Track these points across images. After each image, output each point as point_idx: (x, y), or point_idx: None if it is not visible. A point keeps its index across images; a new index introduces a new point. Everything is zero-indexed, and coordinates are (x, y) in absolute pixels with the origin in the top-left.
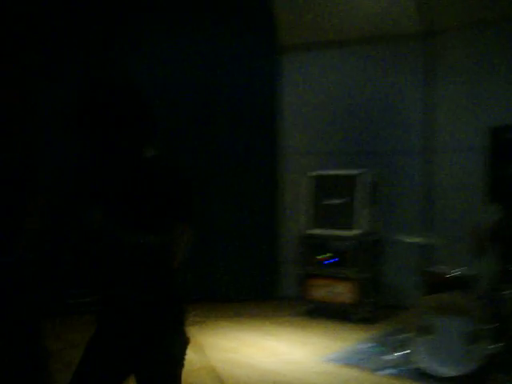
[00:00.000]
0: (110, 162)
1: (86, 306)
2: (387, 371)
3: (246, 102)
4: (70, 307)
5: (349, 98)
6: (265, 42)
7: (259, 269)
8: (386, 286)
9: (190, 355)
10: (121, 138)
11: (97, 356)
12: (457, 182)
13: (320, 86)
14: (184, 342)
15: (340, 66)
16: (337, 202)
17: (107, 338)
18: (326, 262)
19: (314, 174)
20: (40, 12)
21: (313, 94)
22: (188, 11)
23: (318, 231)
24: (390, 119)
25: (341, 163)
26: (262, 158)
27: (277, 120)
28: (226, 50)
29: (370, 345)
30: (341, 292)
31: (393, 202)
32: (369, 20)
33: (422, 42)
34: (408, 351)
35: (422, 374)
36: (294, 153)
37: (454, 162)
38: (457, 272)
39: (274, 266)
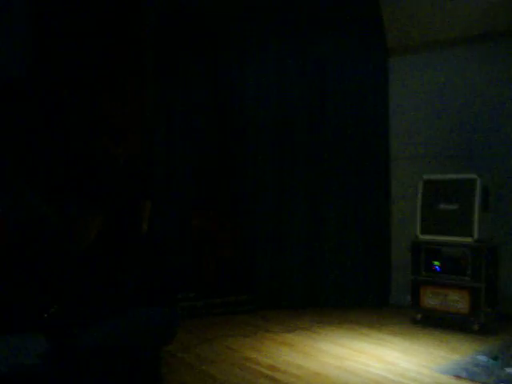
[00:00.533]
0: None
1: (197, 310)
2: None
3: (356, 107)
4: (182, 311)
5: (459, 100)
6: (373, 45)
7: (369, 275)
8: (503, 294)
9: (303, 361)
10: None
11: None
12: None
13: (429, 88)
14: None
15: (449, 67)
16: (450, 207)
17: None
18: (440, 269)
19: (426, 178)
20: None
21: (421, 96)
22: (295, 19)
23: (430, 237)
24: (503, 121)
25: (452, 167)
26: (373, 163)
27: (387, 124)
28: (335, 55)
29: (484, 357)
30: (455, 301)
31: (506, 207)
32: (479, 17)
33: None
34: None
35: None
36: (404, 157)
37: None
38: None
39: (384, 272)
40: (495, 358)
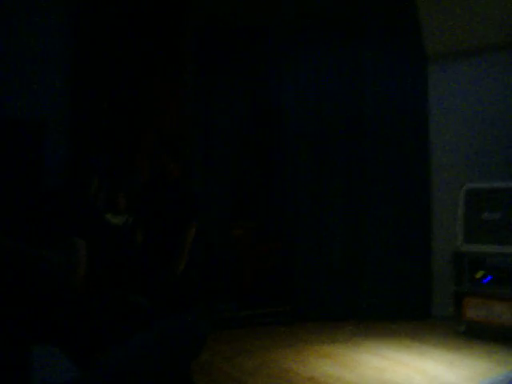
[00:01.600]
0: None
1: (238, 320)
2: None
3: (395, 116)
4: (221, 321)
5: (501, 106)
6: (412, 52)
7: (411, 286)
8: None
9: (342, 373)
10: None
11: None
12: None
13: (470, 94)
14: None
15: (490, 74)
16: (494, 216)
17: None
18: (485, 280)
19: (469, 187)
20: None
21: (462, 103)
22: (332, 29)
23: (474, 247)
24: None
25: (495, 175)
26: (413, 172)
27: (427, 132)
28: (374, 63)
29: None
30: (500, 312)
31: None
32: None
33: None
34: None
35: None
36: (445, 165)
37: None
38: None
39: (426, 283)
40: None
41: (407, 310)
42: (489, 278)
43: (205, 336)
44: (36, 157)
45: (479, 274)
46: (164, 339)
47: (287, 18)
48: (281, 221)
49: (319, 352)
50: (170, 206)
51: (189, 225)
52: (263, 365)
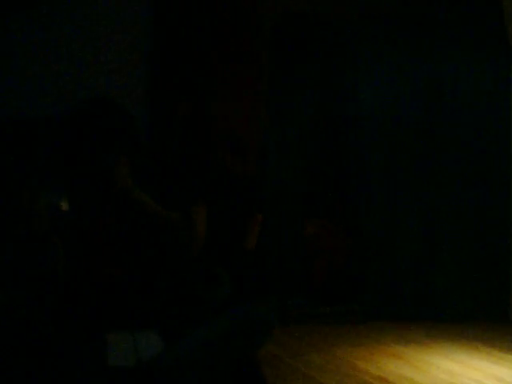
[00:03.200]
0: None
1: (308, 317)
2: None
3: (475, 111)
4: (292, 317)
5: None
6: (495, 45)
7: (488, 289)
8: None
9: (413, 374)
10: None
11: None
12: None
13: None
14: None
15: None
16: None
17: None
18: None
19: None
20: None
21: None
22: (409, 22)
23: None
24: None
25: None
26: (494, 169)
27: (508, 126)
28: (453, 57)
29: None
30: None
31: None
32: None
33: None
34: None
35: None
36: None
37: None
38: None
39: (504, 285)
40: None
41: (484, 313)
42: None
43: (272, 327)
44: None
45: None
46: (235, 324)
47: (364, 14)
48: (354, 218)
49: (390, 352)
50: (229, 200)
51: (251, 217)
52: (332, 362)
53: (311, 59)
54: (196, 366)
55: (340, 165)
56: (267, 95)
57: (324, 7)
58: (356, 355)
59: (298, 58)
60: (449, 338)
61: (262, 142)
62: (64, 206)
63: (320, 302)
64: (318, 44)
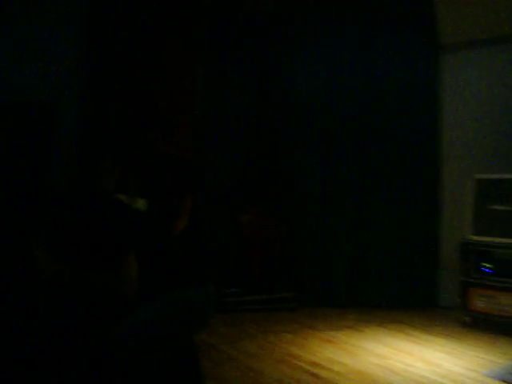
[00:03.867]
0: None
1: (243, 305)
2: None
3: (406, 105)
4: (228, 305)
5: None
6: (425, 41)
7: (416, 276)
8: None
9: (346, 359)
10: None
11: None
12: None
13: (482, 85)
14: None
15: (504, 64)
16: (504, 207)
17: None
18: (491, 271)
19: (478, 178)
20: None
21: (474, 94)
22: (344, 15)
23: (482, 238)
24: None
25: (506, 167)
26: (423, 162)
27: (438, 122)
28: (385, 51)
29: None
30: (507, 304)
31: None
32: None
33: None
34: None
35: None
36: (455, 156)
37: None
38: None
39: (432, 273)
40: None
41: (413, 299)
42: (497, 269)
43: (207, 314)
44: (46, 139)
45: (487, 266)
46: (171, 310)
47: (300, 4)
48: (289, 206)
49: (323, 338)
50: (162, 181)
51: (184, 198)
52: (267, 349)
53: (249, 48)
54: (137, 346)
55: (276, 153)
56: (204, 81)
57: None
58: (290, 342)
59: (236, 46)
60: (380, 323)
61: (197, 127)
62: None
63: (256, 290)
64: (256, 34)
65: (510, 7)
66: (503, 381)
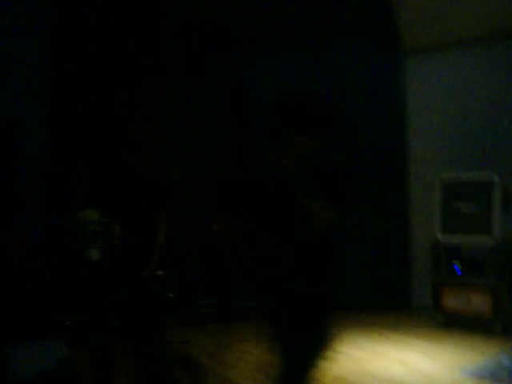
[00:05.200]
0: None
1: (218, 315)
2: None
3: (372, 109)
4: (204, 317)
5: (478, 101)
6: (390, 46)
7: (390, 278)
8: None
9: (322, 364)
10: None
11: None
12: None
13: (447, 88)
14: None
15: (467, 68)
16: (469, 207)
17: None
18: (460, 270)
19: (444, 178)
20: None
21: (439, 96)
22: (309, 22)
23: (450, 238)
24: None
25: (471, 168)
26: (391, 165)
27: (405, 125)
28: (350, 57)
29: (508, 359)
30: (477, 302)
31: None
32: (495, 17)
33: None
34: None
35: None
36: (423, 158)
37: None
38: None
39: (406, 274)
40: None
41: (386, 300)
42: (465, 268)
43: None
44: (12, 153)
45: (455, 265)
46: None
47: (262, 13)
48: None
49: None
50: (136, 197)
51: (158, 214)
52: (242, 358)
53: (212, 59)
54: None
55: (245, 162)
56: (172, 95)
57: (224, 11)
58: (265, 350)
59: (201, 59)
60: (355, 327)
61: (168, 142)
62: None
63: (229, 300)
64: (220, 47)
65: (471, 12)
66: (479, 378)
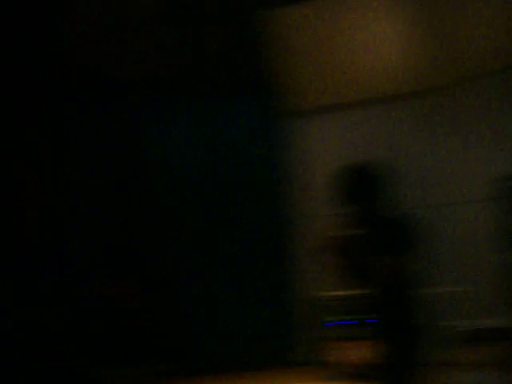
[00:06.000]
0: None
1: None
2: None
3: (252, 171)
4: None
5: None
6: (269, 110)
7: (272, 334)
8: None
9: None
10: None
11: None
12: None
13: (328, 148)
14: None
15: (348, 127)
16: (342, 261)
17: None
18: (337, 323)
19: (322, 235)
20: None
21: (321, 157)
22: (192, 86)
23: (326, 292)
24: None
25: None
26: (273, 223)
27: (284, 185)
28: (231, 120)
29: None
30: (355, 353)
31: None
32: (374, 80)
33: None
34: None
35: None
36: (302, 217)
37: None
38: None
39: (288, 330)
40: None
41: (269, 357)
42: (339, 321)
43: None
44: None
45: (331, 318)
46: None
47: (152, 75)
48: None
49: None
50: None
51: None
52: None
53: (108, 120)
54: None
55: (139, 223)
56: (67, 161)
57: (119, 70)
58: None
59: (93, 119)
60: None
61: (54, 205)
62: None
63: (126, 363)
64: (112, 101)
65: (348, 76)
66: None
